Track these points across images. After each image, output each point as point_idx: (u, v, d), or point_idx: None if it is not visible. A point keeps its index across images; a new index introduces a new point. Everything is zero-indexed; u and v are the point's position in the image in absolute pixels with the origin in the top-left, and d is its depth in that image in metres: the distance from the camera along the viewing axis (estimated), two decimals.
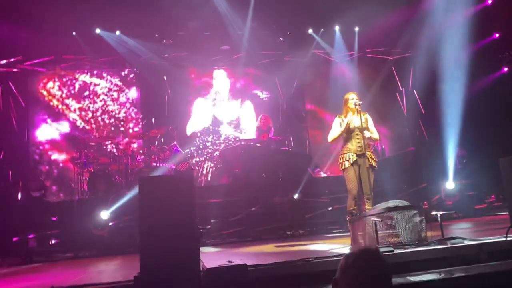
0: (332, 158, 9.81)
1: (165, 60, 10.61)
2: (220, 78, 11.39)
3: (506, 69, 10.73)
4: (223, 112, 11.24)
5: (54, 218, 7.57)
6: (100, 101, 10.62)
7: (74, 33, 9.72)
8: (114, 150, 8.84)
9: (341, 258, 1.85)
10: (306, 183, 8.26)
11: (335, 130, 5.51)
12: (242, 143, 9.88)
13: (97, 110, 10.53)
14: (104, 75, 10.70)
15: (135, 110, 10.75)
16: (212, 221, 7.59)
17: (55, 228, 7.53)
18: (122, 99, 10.73)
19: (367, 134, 5.39)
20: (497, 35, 10.56)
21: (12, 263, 6.46)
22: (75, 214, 7.41)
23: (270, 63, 10.95)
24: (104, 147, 9.59)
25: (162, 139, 9.51)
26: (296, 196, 8.14)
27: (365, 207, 5.27)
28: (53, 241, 7.44)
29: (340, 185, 6.12)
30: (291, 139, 10.93)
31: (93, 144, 9.10)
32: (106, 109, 10.58)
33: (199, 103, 11.13)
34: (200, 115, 11.05)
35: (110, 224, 7.09)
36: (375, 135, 5.57)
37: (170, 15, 9.21)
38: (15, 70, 9.83)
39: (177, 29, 10.20)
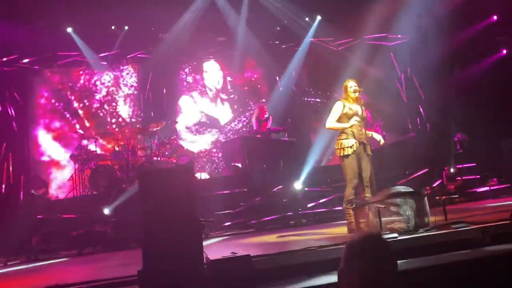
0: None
1: (160, 54, 10.54)
2: (213, 71, 11.32)
3: (505, 51, 10.65)
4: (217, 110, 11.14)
5: (64, 216, 7.54)
6: (99, 96, 10.58)
7: (69, 30, 9.65)
8: (115, 146, 8.80)
9: (344, 246, 1.83)
10: (308, 172, 8.25)
11: (334, 121, 5.33)
12: (242, 134, 9.86)
13: (96, 105, 10.49)
14: (102, 70, 10.63)
15: (134, 104, 10.71)
16: (215, 213, 7.59)
17: (58, 225, 7.52)
18: (121, 94, 10.69)
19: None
20: (495, 17, 10.48)
21: (16, 262, 6.47)
22: (77, 211, 7.41)
23: (268, 53, 10.88)
24: (104, 143, 9.56)
25: (162, 133, 9.48)
26: (298, 186, 8.13)
27: (364, 194, 5.23)
28: (56, 239, 7.44)
29: (342, 174, 6.07)
30: (291, 129, 10.90)
31: (93, 140, 9.06)
32: (105, 104, 10.54)
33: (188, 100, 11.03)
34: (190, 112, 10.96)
35: (113, 219, 7.09)
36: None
37: (165, 8, 9.14)
38: (11, 68, 9.77)
39: (172, 22, 10.12)
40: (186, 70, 11.23)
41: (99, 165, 8.46)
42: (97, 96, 10.58)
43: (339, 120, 5.35)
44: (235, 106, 11.29)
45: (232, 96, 11.34)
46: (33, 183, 8.59)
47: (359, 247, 1.76)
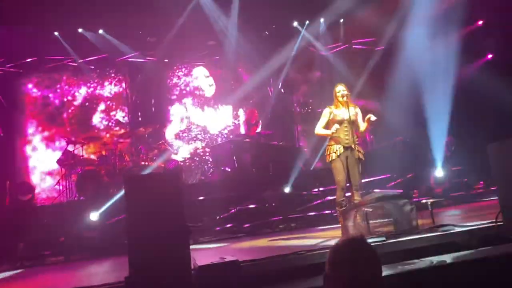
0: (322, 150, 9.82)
1: (150, 58, 10.51)
2: (202, 76, 11.29)
3: (490, 55, 10.80)
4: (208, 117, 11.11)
5: (50, 222, 7.44)
6: (86, 101, 10.49)
7: (56, 33, 9.57)
8: (102, 151, 8.72)
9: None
10: (297, 176, 8.26)
11: (321, 129, 5.46)
12: (231, 138, 9.84)
13: (83, 110, 10.40)
14: (90, 74, 10.54)
15: (122, 109, 10.64)
16: (205, 218, 7.55)
17: (45, 231, 7.42)
18: (109, 98, 10.61)
19: (362, 127, 5.42)
20: (480, 22, 10.63)
21: (2, 268, 6.36)
22: (64, 217, 7.32)
23: (258, 57, 10.88)
24: (92, 148, 9.47)
25: (150, 138, 9.42)
26: (287, 190, 8.14)
27: (354, 198, 5.28)
28: (43, 245, 7.33)
29: (330, 177, 6.11)
30: (281, 133, 10.91)
31: (80, 144, 8.96)
32: (93, 109, 10.45)
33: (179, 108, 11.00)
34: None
35: (101, 225, 7.01)
36: (362, 128, 5.57)
37: (154, 12, 9.11)
38: None
39: (161, 26, 10.09)
40: (175, 74, 11.18)
41: (86, 170, 8.36)
42: (84, 101, 10.46)
43: (327, 125, 5.45)
44: (225, 111, 11.26)
45: (221, 100, 11.31)
46: (19, 188, 8.45)
47: (343, 251, 1.76)
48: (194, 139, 10.81)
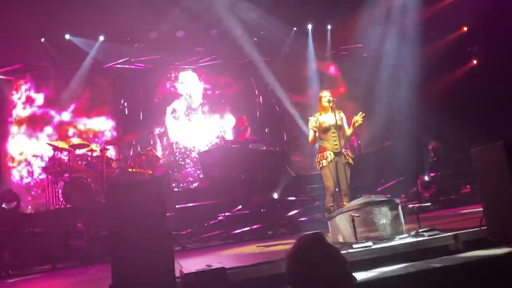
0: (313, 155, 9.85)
1: (138, 64, 10.47)
2: (191, 81, 11.26)
3: (475, 61, 10.97)
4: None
5: (36, 230, 7.33)
6: (73, 107, 10.39)
7: (42, 40, 9.50)
8: (89, 158, 8.63)
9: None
10: (285, 181, 8.27)
11: (311, 137, 5.57)
12: (219, 144, 9.83)
13: (70, 116, 10.31)
14: (77, 80, 10.44)
15: (110, 115, 10.57)
16: (193, 224, 7.52)
17: (31, 240, 7.31)
18: (96, 104, 10.53)
19: (348, 131, 5.49)
20: (465, 28, 10.79)
21: None
22: (51, 225, 7.22)
23: (246, 63, 10.92)
24: (78, 155, 9.36)
25: (138, 145, 9.36)
26: (276, 196, 8.14)
27: (342, 203, 5.31)
28: (29, 254, 7.22)
29: (319, 183, 6.17)
30: (269, 139, 10.92)
31: (66, 151, 8.86)
32: (79, 115, 10.37)
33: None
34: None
35: (88, 233, 6.93)
36: (348, 132, 5.62)
37: (140, 17, 9.10)
38: None
39: (149, 31, 10.07)
40: (164, 80, 11.15)
41: (72, 177, 8.26)
42: (72, 107, 10.37)
43: (315, 133, 5.53)
44: (213, 117, 11.25)
45: (210, 107, 11.29)
46: (4, 196, 8.32)
47: (301, 254, 1.80)
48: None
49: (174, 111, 11.04)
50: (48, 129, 10.14)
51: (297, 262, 1.77)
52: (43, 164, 9.64)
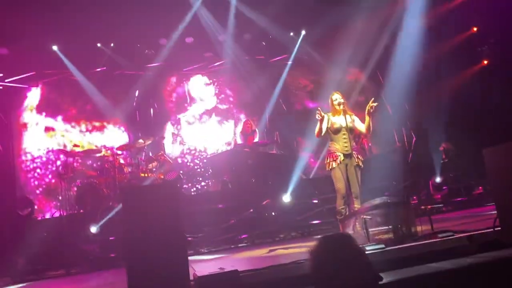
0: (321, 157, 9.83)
1: (149, 70, 10.56)
2: (201, 87, 11.32)
3: (485, 62, 10.88)
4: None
5: (50, 235, 7.41)
6: (85, 113, 10.51)
7: (54, 47, 9.63)
8: (101, 163, 8.72)
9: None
10: (296, 185, 8.27)
11: (317, 124, 5.45)
12: (229, 148, 9.86)
13: (82, 123, 10.42)
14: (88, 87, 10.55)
15: (121, 121, 10.66)
16: (205, 228, 7.55)
17: (45, 245, 7.39)
18: (107, 110, 10.63)
19: (363, 129, 5.42)
20: (475, 29, 10.72)
21: (2, 283, 6.33)
22: (64, 230, 7.30)
23: (254, 67, 10.95)
24: (91, 160, 9.47)
25: (150, 150, 9.43)
26: (286, 199, 8.14)
27: (353, 206, 5.29)
28: (43, 259, 7.30)
29: (330, 185, 6.14)
30: (279, 142, 10.94)
31: (79, 157, 8.97)
32: (91, 121, 10.48)
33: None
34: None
35: (100, 238, 7.00)
36: (363, 129, 5.54)
37: (151, 25, 9.20)
38: None
39: (158, 38, 10.17)
40: (174, 85, 11.23)
41: (85, 183, 8.36)
42: (83, 113, 10.49)
43: (326, 132, 5.45)
44: (225, 121, 11.30)
45: (219, 111, 11.35)
46: (19, 203, 8.44)
47: (329, 255, 1.79)
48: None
49: (185, 115, 11.11)
50: (60, 135, 10.26)
51: (325, 263, 1.77)
52: (56, 170, 9.74)
